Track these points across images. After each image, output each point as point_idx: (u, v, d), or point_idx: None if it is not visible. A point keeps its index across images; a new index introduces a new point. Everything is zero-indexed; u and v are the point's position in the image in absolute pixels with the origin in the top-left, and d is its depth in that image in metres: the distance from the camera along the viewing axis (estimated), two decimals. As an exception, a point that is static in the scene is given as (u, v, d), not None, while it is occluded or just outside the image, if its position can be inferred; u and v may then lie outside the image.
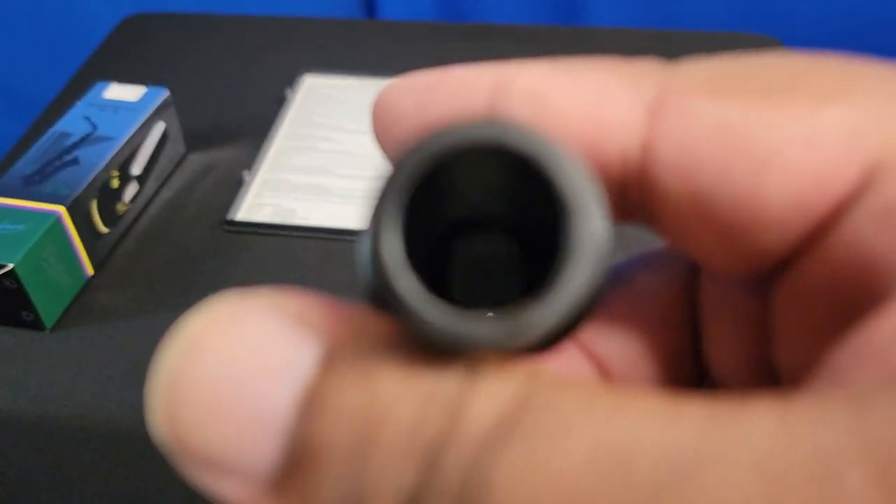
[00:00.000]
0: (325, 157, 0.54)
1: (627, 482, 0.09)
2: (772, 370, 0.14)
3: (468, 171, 0.11)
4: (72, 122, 0.49)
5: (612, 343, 0.15)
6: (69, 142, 0.48)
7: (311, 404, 0.10)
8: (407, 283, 0.10)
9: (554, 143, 0.10)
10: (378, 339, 0.11)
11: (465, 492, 0.10)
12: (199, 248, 0.48)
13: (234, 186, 0.51)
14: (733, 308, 0.15)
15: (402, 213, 0.10)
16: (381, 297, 0.11)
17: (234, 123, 0.57)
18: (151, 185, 0.51)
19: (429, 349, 0.10)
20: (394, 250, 0.10)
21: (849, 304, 0.12)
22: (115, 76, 0.54)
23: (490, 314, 0.10)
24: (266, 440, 0.10)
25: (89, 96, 0.51)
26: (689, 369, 0.16)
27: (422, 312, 0.10)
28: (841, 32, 0.77)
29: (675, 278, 0.16)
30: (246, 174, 0.52)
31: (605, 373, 0.16)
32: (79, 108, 0.50)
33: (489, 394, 0.10)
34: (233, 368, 0.11)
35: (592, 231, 0.10)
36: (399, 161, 0.10)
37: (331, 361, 0.11)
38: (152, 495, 0.36)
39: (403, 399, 0.10)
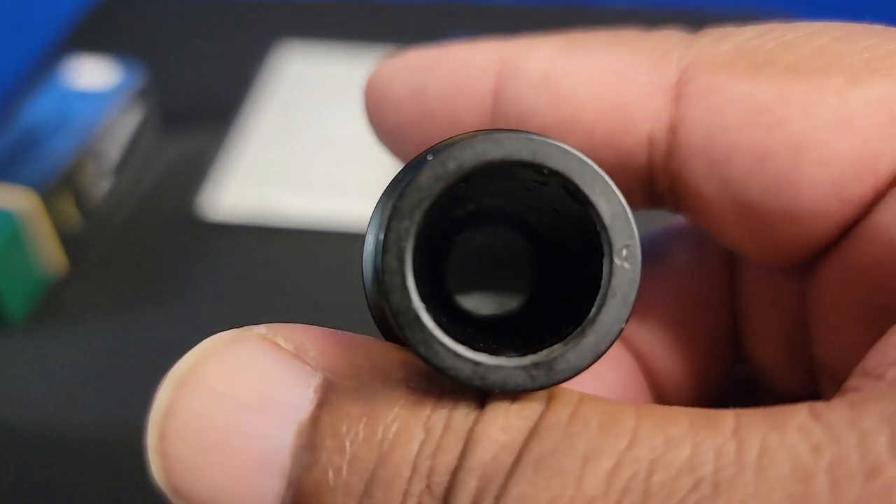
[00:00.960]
0: (312, 141, 0.52)
1: (654, 499, 0.08)
2: (809, 356, 0.14)
3: (490, 181, 0.10)
4: (41, 108, 0.47)
5: (649, 327, 0.15)
6: (38, 130, 0.46)
7: (311, 443, 0.10)
8: (427, 329, 0.09)
9: (599, 172, 0.10)
10: (380, 369, 0.10)
11: None
12: (176, 243, 0.46)
13: (214, 176, 0.50)
14: (772, 291, 0.14)
15: (417, 240, 0.09)
16: (391, 328, 0.10)
17: (216, 106, 0.55)
18: (128, 175, 0.50)
19: (439, 380, 0.10)
20: (410, 290, 0.09)
21: (890, 295, 0.11)
22: (88, 57, 0.52)
23: (517, 357, 0.09)
24: (267, 483, 0.10)
25: (60, 80, 0.49)
26: (725, 352, 0.15)
27: (446, 361, 0.09)
28: (863, 10, 0.75)
29: (714, 256, 0.15)
30: (226, 162, 0.50)
31: (640, 358, 0.15)
32: (49, 93, 0.48)
33: (505, 421, 0.09)
34: (227, 405, 0.10)
35: (630, 272, 0.10)
36: (420, 178, 0.09)
37: (331, 396, 0.10)
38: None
39: (412, 430, 0.10)
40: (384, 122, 0.14)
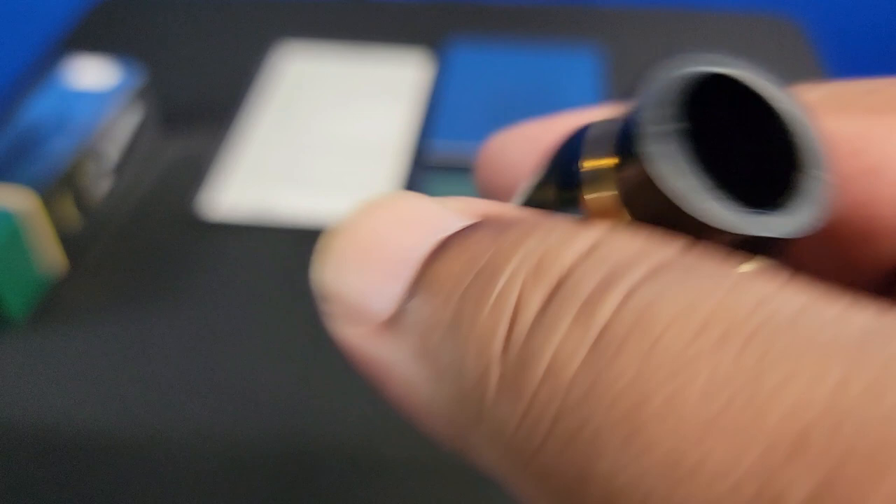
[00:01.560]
0: (312, 141, 0.52)
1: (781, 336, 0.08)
2: None
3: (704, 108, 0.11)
4: (41, 108, 0.47)
5: None
6: (38, 130, 0.46)
7: (440, 245, 0.10)
8: (683, 171, 0.10)
9: (811, 119, 0.11)
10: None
11: (588, 317, 0.09)
12: (176, 243, 0.46)
13: (214, 176, 0.50)
14: None
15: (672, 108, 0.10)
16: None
17: (216, 106, 0.55)
18: (128, 175, 0.50)
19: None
20: (667, 135, 0.10)
21: None
22: (88, 57, 0.52)
23: (760, 212, 0.10)
24: (393, 281, 0.11)
25: (59, 80, 0.49)
26: None
27: (704, 205, 0.09)
28: (867, 13, 0.75)
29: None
30: (226, 162, 0.50)
31: None
32: (49, 93, 0.48)
33: (631, 241, 0.09)
34: (384, 223, 0.11)
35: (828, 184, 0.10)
36: (657, 82, 0.10)
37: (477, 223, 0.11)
38: None
39: (538, 235, 0.10)
40: (496, 185, 0.16)
